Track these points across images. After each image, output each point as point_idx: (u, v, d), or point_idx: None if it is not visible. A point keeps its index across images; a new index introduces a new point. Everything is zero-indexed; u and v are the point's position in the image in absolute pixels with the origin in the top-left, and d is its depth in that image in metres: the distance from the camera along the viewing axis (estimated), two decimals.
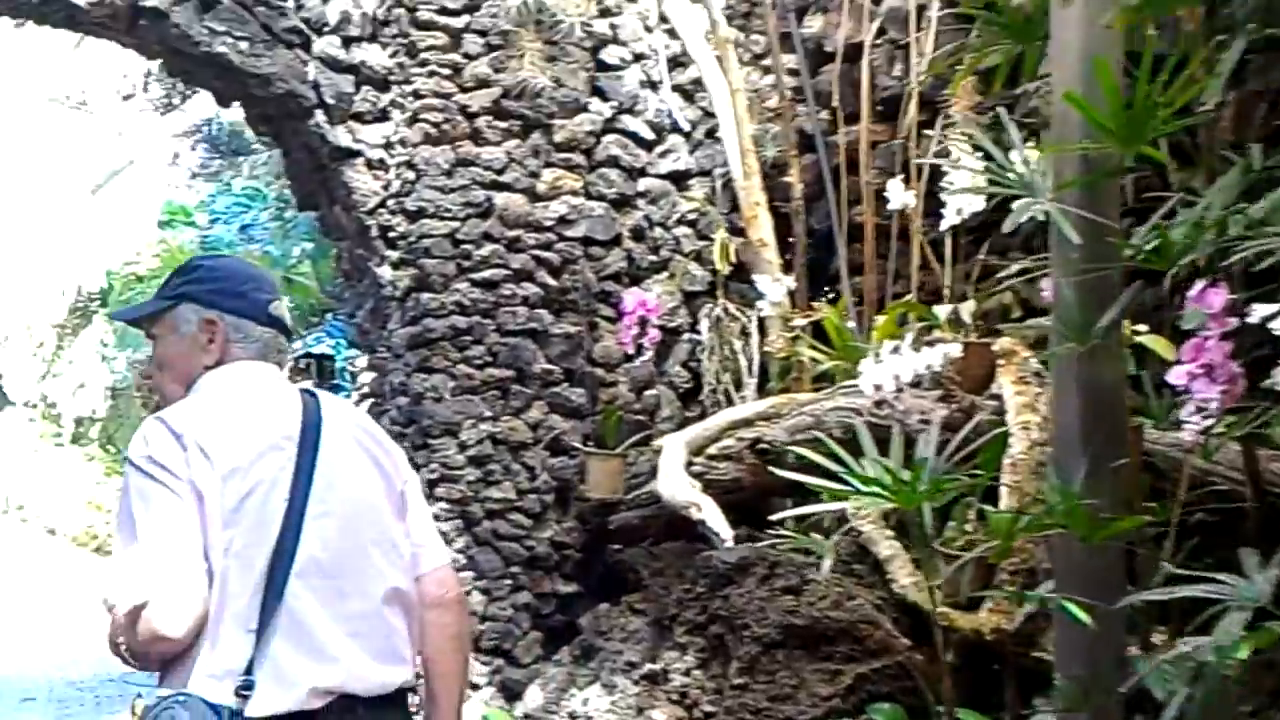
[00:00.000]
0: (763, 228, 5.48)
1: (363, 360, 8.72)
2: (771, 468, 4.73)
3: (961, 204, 4.52)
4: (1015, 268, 4.82)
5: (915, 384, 4.28)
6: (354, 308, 6.25)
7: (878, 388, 4.05)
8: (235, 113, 12.08)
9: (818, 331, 5.31)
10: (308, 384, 9.13)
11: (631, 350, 5.58)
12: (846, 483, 3.14)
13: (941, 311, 4.64)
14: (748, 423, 5.09)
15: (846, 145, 5.70)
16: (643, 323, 5.53)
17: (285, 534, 2.24)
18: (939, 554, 3.90)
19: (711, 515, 4.76)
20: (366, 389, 8.57)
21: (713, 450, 5.07)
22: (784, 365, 5.35)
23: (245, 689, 2.16)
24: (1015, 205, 2.56)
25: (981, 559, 3.87)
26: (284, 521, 2.25)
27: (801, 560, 4.37)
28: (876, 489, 3.10)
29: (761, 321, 5.53)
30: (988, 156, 2.80)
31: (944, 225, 4.62)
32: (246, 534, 2.21)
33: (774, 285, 5.30)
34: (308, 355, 8.94)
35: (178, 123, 16.92)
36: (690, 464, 5.06)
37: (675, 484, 4.92)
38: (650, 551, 5.49)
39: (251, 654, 2.18)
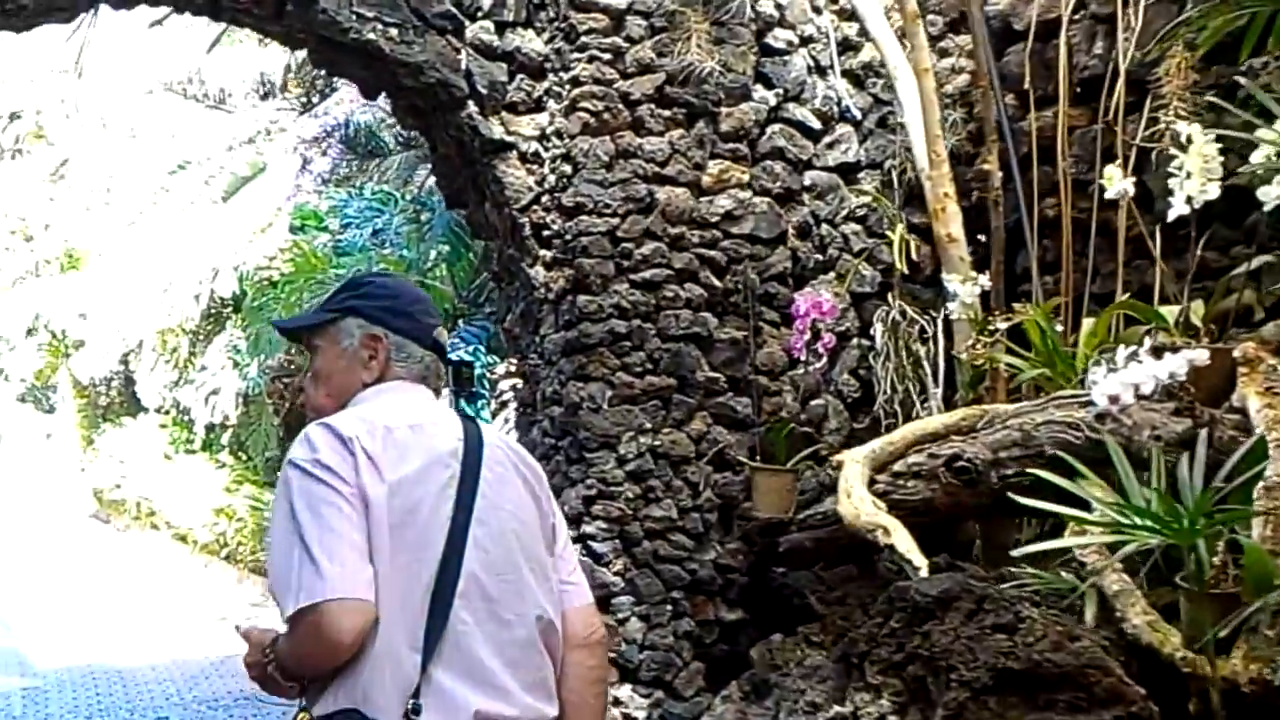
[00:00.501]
0: (952, 222, 4.99)
1: (501, 367, 8.42)
2: (976, 488, 4.29)
3: (1193, 192, 4.00)
4: (1257, 262, 4.32)
5: (1143, 395, 3.78)
6: (503, 311, 5.89)
7: (1113, 399, 3.55)
8: (372, 113, 11.96)
9: (1012, 335, 4.81)
10: (444, 391, 8.86)
11: (803, 356, 5.13)
12: (1087, 507, 2.65)
13: (1169, 313, 4.12)
14: (937, 436, 4.61)
15: (1038, 132, 5.20)
16: (815, 327, 5.08)
17: (450, 553, 2.22)
18: (1180, 589, 3.41)
19: (901, 540, 4.30)
20: (511, 397, 8.28)
21: (899, 467, 4.60)
22: (976, 373, 4.85)
23: (415, 713, 2.13)
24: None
25: (1232, 595, 3.38)
26: (448, 540, 2.22)
27: (1013, 594, 3.89)
28: (1148, 522, 2.61)
29: (948, 325, 5.05)
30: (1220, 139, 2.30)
31: (1171, 216, 4.09)
32: (411, 549, 2.19)
33: (966, 285, 4.81)
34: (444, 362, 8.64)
35: (308, 128, 16.96)
36: (873, 482, 4.61)
37: (858, 504, 4.46)
38: (822, 577, 5.04)
39: (418, 676, 2.15)
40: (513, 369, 8.24)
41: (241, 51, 12.81)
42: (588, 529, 5.05)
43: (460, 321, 9.77)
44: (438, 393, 2.55)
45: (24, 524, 18.93)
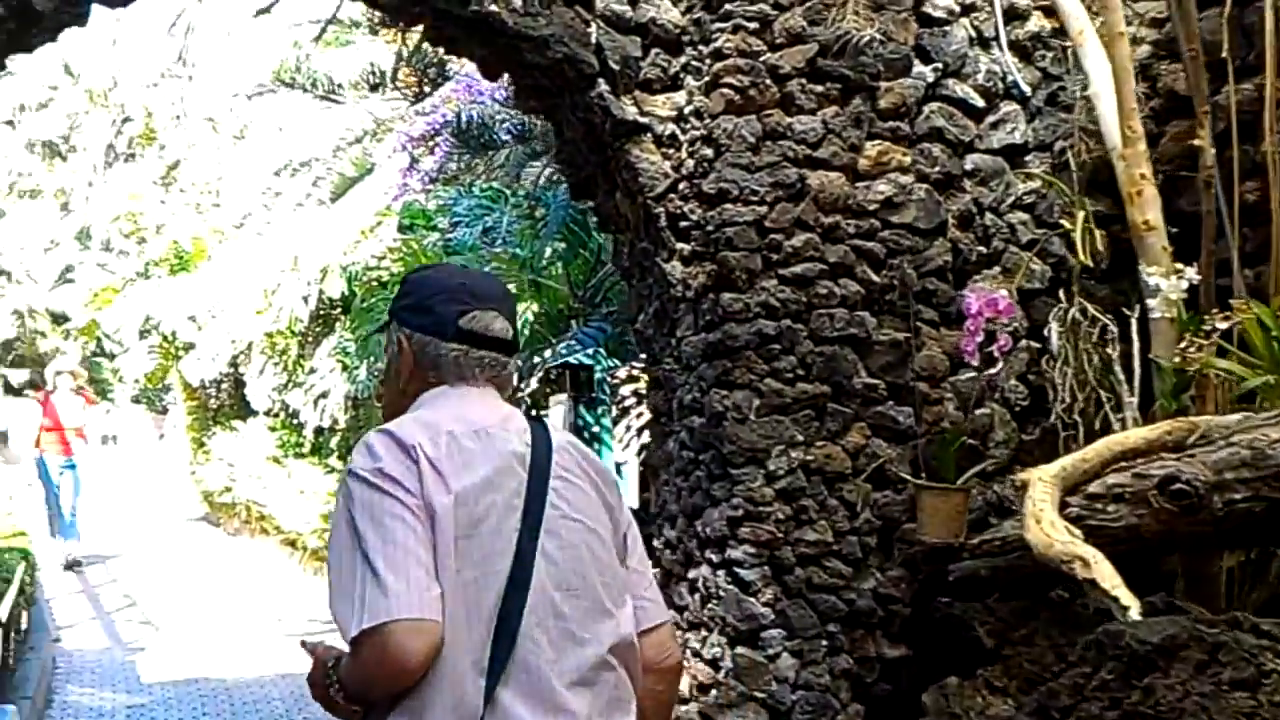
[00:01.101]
0: (1149, 207, 4.37)
1: (622, 371, 7.94)
2: (1195, 515, 3.68)
3: None
4: None
5: None
6: (634, 311, 5.39)
7: None
8: (483, 106, 11.57)
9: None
10: (560, 397, 8.39)
11: (975, 360, 4.55)
12: None
13: None
14: (1139, 453, 4.01)
15: (1237, 106, 4.56)
16: (989, 327, 4.50)
17: (518, 568, 2.08)
18: None
19: (1105, 574, 3.69)
20: (633, 403, 7.80)
21: (1095, 488, 4.01)
22: (1180, 380, 4.23)
23: None
24: None
25: None
26: (516, 554, 2.09)
27: (1251, 643, 3.29)
28: None
29: (1143, 324, 4.43)
30: None
31: None
32: (478, 564, 2.06)
33: (1170, 280, 4.20)
34: (562, 365, 8.19)
35: (416, 126, 16.70)
36: (1063, 505, 4.01)
37: (1050, 531, 3.87)
38: (998, 610, 4.46)
39: (482, 701, 2.01)
40: (635, 373, 7.75)
41: (350, 47, 12.50)
42: (733, 554, 4.53)
43: (574, 322, 9.32)
44: (505, 390, 2.34)
45: (136, 527, 18.95)
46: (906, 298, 4.74)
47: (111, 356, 33.65)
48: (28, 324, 39.59)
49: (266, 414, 15.65)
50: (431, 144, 17.15)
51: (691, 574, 4.79)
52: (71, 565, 12.46)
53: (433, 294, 2.31)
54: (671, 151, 4.74)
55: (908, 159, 4.72)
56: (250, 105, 23.67)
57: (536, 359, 9.13)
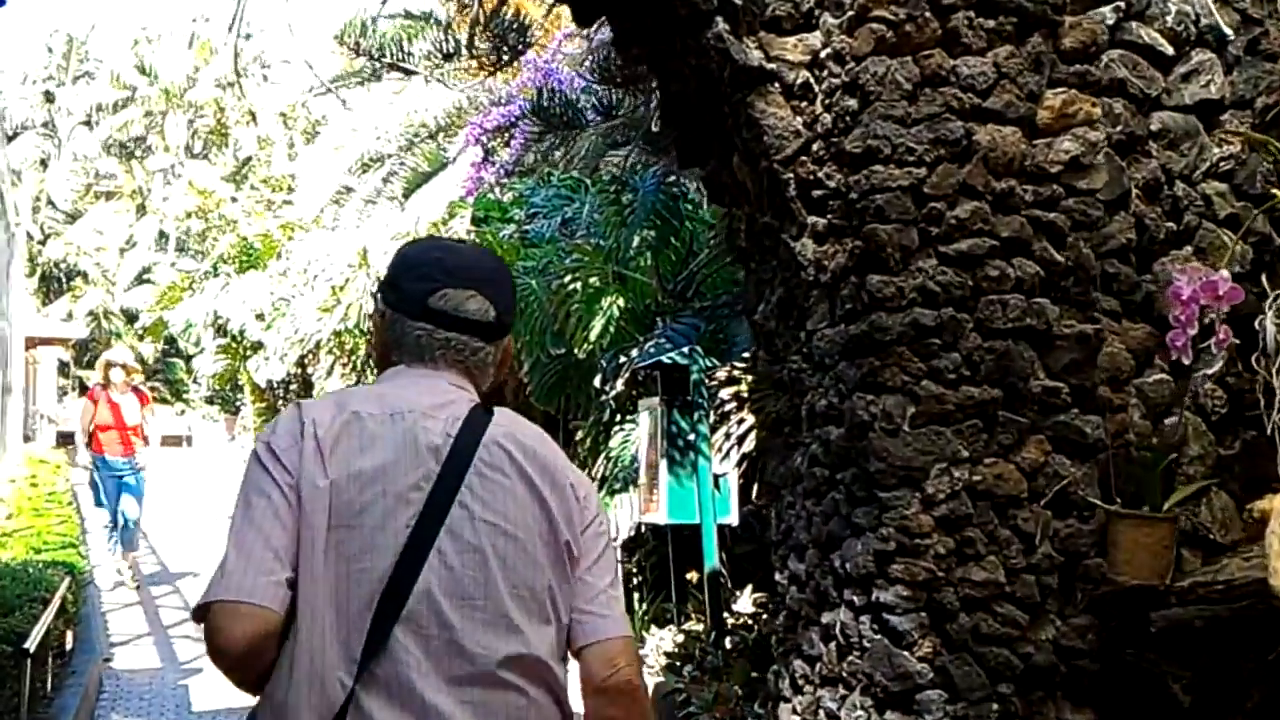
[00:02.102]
0: None
1: (721, 373, 7.11)
2: None
3: None
4: None
5: None
6: (752, 300, 4.56)
7: None
8: (565, 78, 10.82)
9: None
10: (651, 401, 7.57)
11: (1186, 358, 3.66)
12: None
13: None
14: None
15: None
16: (1204, 317, 3.61)
17: (402, 568, 1.91)
18: None
19: None
20: (731, 406, 6.98)
21: None
22: None
23: None
24: None
25: None
26: (403, 552, 1.92)
27: None
28: None
29: None
30: None
31: None
32: (353, 558, 1.91)
33: None
34: (652, 366, 7.37)
35: (491, 118, 16.02)
36: None
37: None
38: (1211, 669, 3.59)
39: (342, 701, 1.87)
40: (736, 374, 6.91)
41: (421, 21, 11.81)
42: (882, 596, 3.67)
43: (661, 319, 8.51)
44: (478, 376, 2.16)
45: (200, 534, 18.48)
46: (1085, 282, 3.86)
47: (187, 358, 33.53)
48: (103, 325, 39.72)
49: None
50: (507, 136, 16.53)
51: (826, 618, 3.95)
52: (128, 580, 11.40)
53: (405, 270, 2.17)
54: (804, 104, 3.90)
55: (1097, 110, 3.84)
56: (321, 104, 23.30)
57: (622, 359, 8.33)
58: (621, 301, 8.42)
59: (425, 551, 1.94)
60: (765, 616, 6.76)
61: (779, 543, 4.35)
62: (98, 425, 11.29)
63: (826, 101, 3.86)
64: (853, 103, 3.78)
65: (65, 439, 21.54)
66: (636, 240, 8.38)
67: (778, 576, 4.26)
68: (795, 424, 4.22)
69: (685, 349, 6.90)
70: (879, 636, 3.69)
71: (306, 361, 15.28)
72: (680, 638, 7.03)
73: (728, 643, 6.56)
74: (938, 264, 3.72)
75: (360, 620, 1.90)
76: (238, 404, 22.14)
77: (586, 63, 8.02)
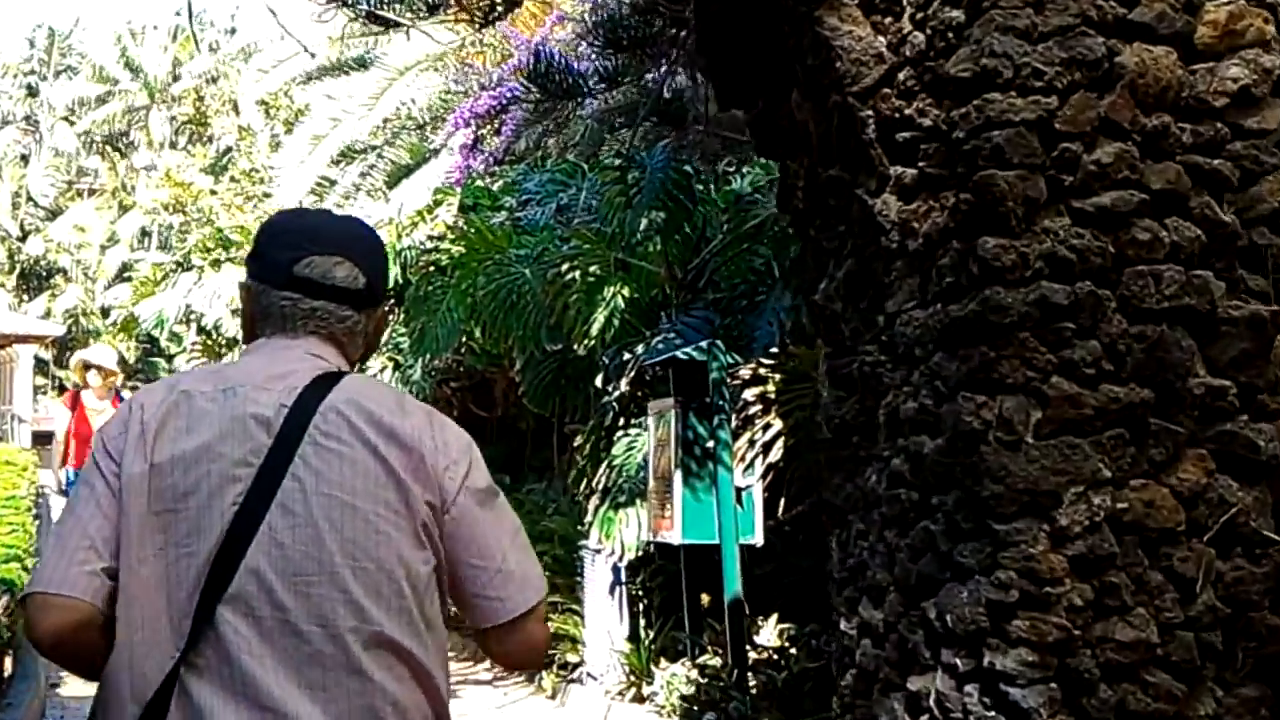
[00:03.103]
0: None
1: (745, 370, 6.20)
2: None
3: None
4: None
5: None
6: (812, 275, 3.67)
7: None
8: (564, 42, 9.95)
9: None
10: (665, 403, 6.65)
11: None
12: None
13: None
14: None
15: None
16: None
17: (228, 545, 1.81)
18: None
19: None
20: (755, 409, 6.08)
21: None
22: None
23: None
24: None
25: None
26: (229, 529, 1.81)
27: None
28: None
29: None
30: None
31: None
32: (181, 542, 1.81)
33: None
34: (663, 362, 6.47)
35: (480, 102, 15.15)
36: None
37: None
38: None
39: (166, 686, 1.77)
40: (763, 371, 6.02)
41: None
42: (999, 660, 2.78)
43: (667, 313, 7.62)
44: (347, 345, 2.01)
45: None
46: (1259, 251, 2.98)
47: (169, 357, 32.55)
48: (81, 324, 38.70)
49: None
50: (497, 123, 15.66)
51: (914, 683, 3.05)
52: None
53: (270, 238, 2.04)
54: (888, 20, 3.02)
55: (1270, 28, 2.96)
56: (305, 91, 22.41)
57: (627, 355, 7.43)
58: (626, 292, 7.54)
59: (253, 528, 1.82)
60: (795, 652, 5.86)
61: (844, 581, 3.45)
62: (73, 434, 9.78)
63: (919, 15, 2.97)
64: (957, 13, 2.89)
65: (42, 439, 20.56)
66: (644, 223, 7.49)
67: (843, 624, 3.37)
68: (868, 432, 3.33)
69: (704, 343, 6.00)
70: (992, 714, 2.80)
71: None
72: (694, 673, 6.13)
73: (752, 682, 5.67)
74: (1071, 224, 2.83)
75: (188, 604, 1.80)
76: None
77: (589, 19, 7.11)
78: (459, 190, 12.36)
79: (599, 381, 7.58)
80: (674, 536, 5.93)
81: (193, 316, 15.65)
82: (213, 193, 23.27)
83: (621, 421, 7.46)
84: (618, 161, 7.77)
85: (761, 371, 5.95)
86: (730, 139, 9.71)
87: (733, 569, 5.74)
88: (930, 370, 2.99)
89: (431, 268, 10.17)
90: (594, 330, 7.45)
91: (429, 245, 10.96)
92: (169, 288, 16.36)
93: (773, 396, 5.94)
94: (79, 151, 44.49)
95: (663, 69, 7.29)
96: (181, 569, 1.82)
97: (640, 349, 7.28)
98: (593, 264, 7.90)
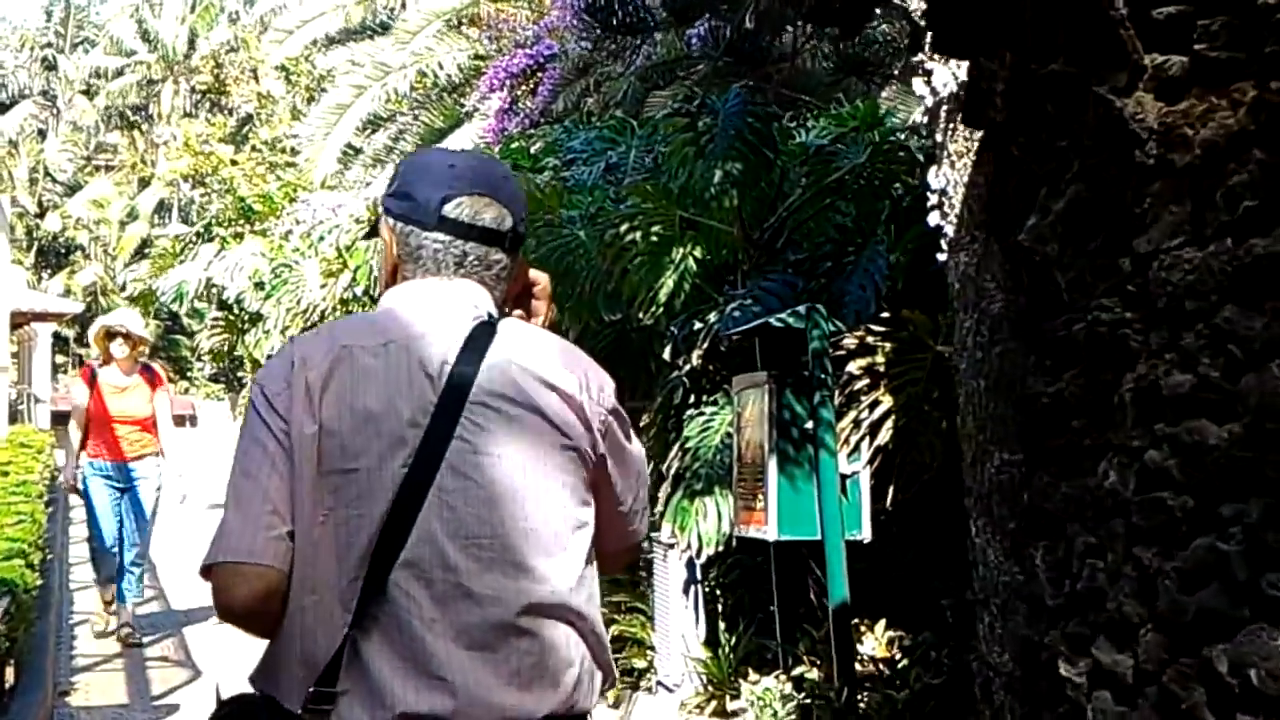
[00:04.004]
0: None
1: (850, 339, 5.39)
2: None
3: None
4: None
5: None
6: (1014, 209, 2.84)
7: None
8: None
9: None
10: (753, 378, 5.76)
11: None
12: None
13: None
14: None
15: None
16: None
17: (398, 509, 1.79)
18: None
19: None
20: (877, 386, 5.27)
21: None
22: None
23: (322, 701, 1.77)
24: None
25: None
26: (399, 491, 1.80)
27: None
28: None
29: None
30: None
31: None
32: (352, 503, 1.80)
33: None
34: (752, 332, 5.67)
35: (516, 60, 14.33)
36: None
37: None
38: None
39: (336, 655, 1.78)
40: (872, 340, 5.21)
41: None
42: None
43: (738, 277, 6.82)
44: (494, 288, 1.97)
45: (205, 526, 16.95)
46: None
47: (191, 334, 31.91)
48: (101, 301, 38.11)
49: None
50: (533, 83, 14.83)
51: None
52: (127, 639, 8.34)
53: (416, 177, 2.02)
54: None
55: None
56: (329, 56, 21.66)
57: (697, 324, 6.62)
58: (698, 253, 6.72)
59: (424, 491, 1.80)
60: (908, 665, 5.07)
61: (1061, 609, 2.65)
62: (91, 416, 8.18)
63: None
64: None
65: (61, 419, 19.88)
66: (717, 177, 6.66)
67: (1064, 669, 2.57)
68: (1098, 415, 2.51)
69: (800, 309, 5.19)
70: None
71: None
72: (788, 688, 5.34)
73: (861, 700, 4.88)
74: None
75: (359, 568, 1.79)
76: (240, 380, 20.50)
77: None
78: (496, 151, 11.57)
79: (666, 354, 6.78)
80: (768, 532, 5.14)
81: (214, 290, 14.91)
82: (233, 162, 22.52)
83: (692, 399, 6.65)
84: (686, 108, 6.90)
85: (869, 340, 5.13)
86: (785, 95, 8.91)
87: (838, 570, 4.95)
88: (1215, 330, 2.17)
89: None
90: (661, 297, 6.64)
91: None
92: (189, 260, 15.64)
93: (881, 369, 5.14)
94: (98, 125, 43.88)
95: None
96: (351, 532, 1.79)
97: (713, 317, 6.47)
98: (655, 223, 7.09)
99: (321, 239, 13.32)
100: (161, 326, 38.82)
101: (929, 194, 4.40)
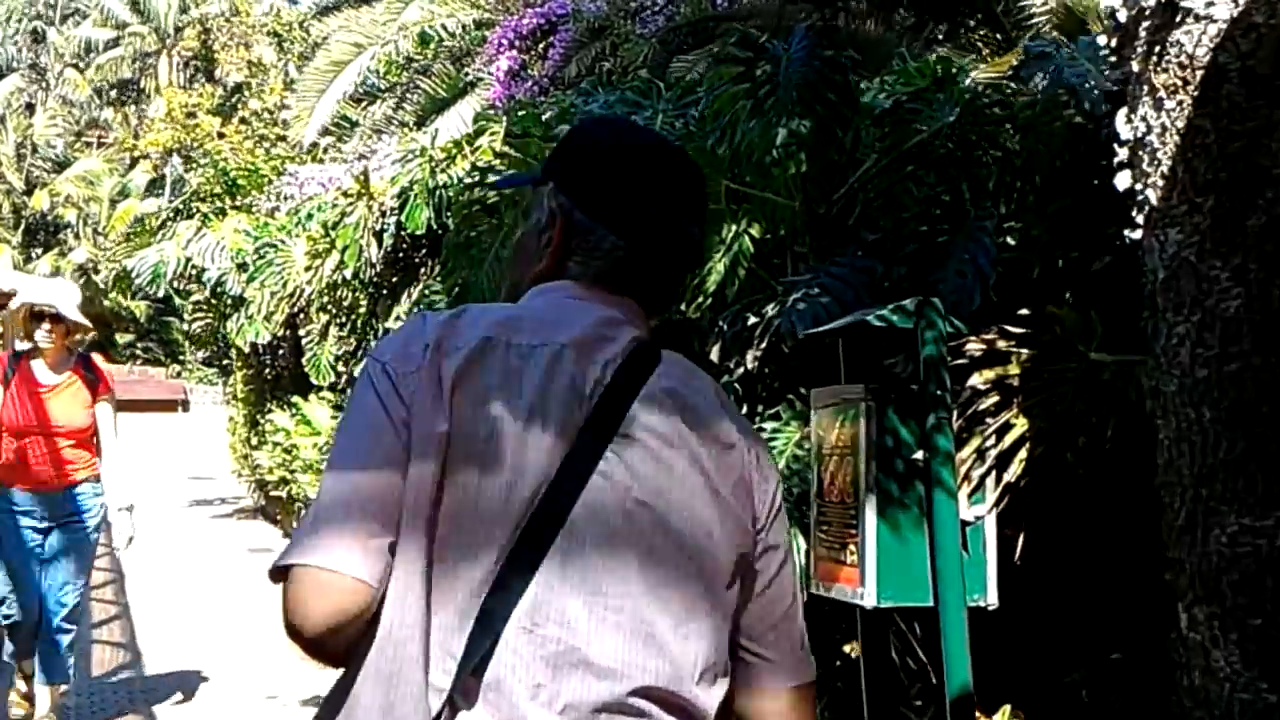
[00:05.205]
0: None
1: (976, 344, 4.15)
2: None
3: None
4: None
5: None
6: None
7: None
8: None
9: None
10: (846, 393, 4.20)
11: None
12: None
13: None
14: None
15: None
16: None
17: (524, 547, 1.51)
18: None
19: None
20: (1008, 404, 4.01)
21: None
22: None
23: None
24: None
25: None
26: (525, 528, 1.51)
27: None
28: None
29: None
30: None
31: None
32: (468, 528, 1.51)
33: None
34: (834, 332, 4.45)
35: (525, 21, 13.17)
36: None
37: None
38: None
39: (437, 710, 1.47)
40: (1003, 346, 3.97)
41: None
42: None
43: (801, 260, 5.59)
44: (650, 306, 1.74)
45: (180, 532, 15.88)
46: None
47: (183, 317, 30.74)
48: (93, 280, 36.86)
49: (331, 389, 12.21)
50: (543, 46, 13.65)
51: None
52: None
53: (614, 166, 1.74)
54: None
55: None
56: (322, 24, 20.56)
57: (752, 318, 5.38)
58: (756, 231, 5.49)
59: (554, 530, 1.51)
60: None
61: None
62: (5, 427, 6.14)
63: None
64: None
65: None
66: (780, 137, 5.40)
67: None
68: None
69: (908, 303, 3.95)
70: None
71: (298, 322, 12.44)
72: None
73: None
74: None
75: (465, 609, 1.48)
76: (227, 365, 19.38)
77: None
78: (504, 118, 10.36)
79: (715, 354, 5.53)
80: (865, 596, 3.91)
81: (193, 270, 13.70)
82: (220, 135, 21.23)
83: (745, 409, 5.43)
84: (743, 54, 5.62)
85: (1001, 345, 3.90)
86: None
87: (960, 647, 3.74)
88: None
89: (476, 207, 8.16)
90: (709, 285, 5.43)
91: (472, 179, 8.99)
92: (167, 238, 14.43)
93: (1015, 383, 3.91)
94: (90, 100, 42.68)
95: None
96: (462, 564, 1.50)
97: (771, 310, 5.24)
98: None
99: (310, 216, 12.12)
100: (152, 308, 37.64)
101: (1115, 146, 3.18)
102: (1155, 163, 3.02)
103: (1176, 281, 2.95)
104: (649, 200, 1.71)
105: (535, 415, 1.55)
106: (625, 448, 1.57)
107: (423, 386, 1.54)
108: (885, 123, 5.66)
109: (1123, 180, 3.16)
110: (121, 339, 43.10)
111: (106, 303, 34.72)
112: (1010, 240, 4.75)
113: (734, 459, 1.63)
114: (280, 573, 1.53)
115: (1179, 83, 2.96)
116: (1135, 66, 3.09)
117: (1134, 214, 3.11)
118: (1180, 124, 2.94)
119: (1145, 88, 3.05)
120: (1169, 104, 2.98)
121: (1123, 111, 3.15)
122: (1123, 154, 3.16)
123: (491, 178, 8.35)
